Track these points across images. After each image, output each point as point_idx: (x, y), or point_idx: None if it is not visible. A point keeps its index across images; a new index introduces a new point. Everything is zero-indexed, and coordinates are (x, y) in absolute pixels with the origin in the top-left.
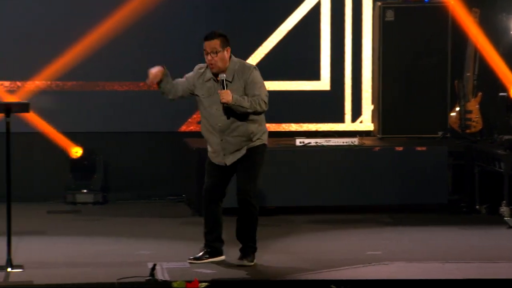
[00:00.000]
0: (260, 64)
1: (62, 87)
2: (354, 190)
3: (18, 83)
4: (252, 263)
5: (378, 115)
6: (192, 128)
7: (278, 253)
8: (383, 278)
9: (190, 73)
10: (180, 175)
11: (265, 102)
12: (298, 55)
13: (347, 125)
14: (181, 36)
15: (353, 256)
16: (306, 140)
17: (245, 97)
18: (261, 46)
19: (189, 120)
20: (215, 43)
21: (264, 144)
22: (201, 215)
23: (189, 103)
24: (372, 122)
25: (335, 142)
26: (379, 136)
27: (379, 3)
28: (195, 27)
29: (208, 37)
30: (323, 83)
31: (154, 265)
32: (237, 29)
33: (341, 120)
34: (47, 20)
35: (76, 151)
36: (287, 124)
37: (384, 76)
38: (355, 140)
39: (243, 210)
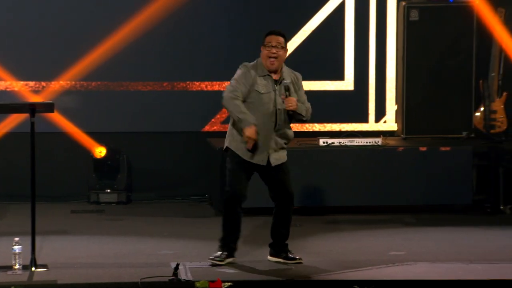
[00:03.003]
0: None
1: (86, 87)
2: (378, 190)
3: (43, 83)
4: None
5: (402, 115)
6: (216, 128)
7: (300, 253)
8: (407, 278)
9: (242, 73)
10: (203, 175)
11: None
12: (322, 55)
13: (370, 125)
14: (204, 35)
15: (377, 257)
16: (330, 140)
17: (301, 104)
18: None
19: (213, 120)
20: (281, 39)
21: None
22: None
23: (212, 103)
24: (396, 122)
25: (358, 142)
26: (403, 136)
27: (403, 3)
28: (217, 26)
29: (275, 32)
30: (347, 83)
31: (177, 264)
32: (261, 29)
33: (364, 120)
34: (72, 20)
35: (100, 151)
36: (311, 124)
37: (408, 76)
38: (378, 140)
39: (288, 210)
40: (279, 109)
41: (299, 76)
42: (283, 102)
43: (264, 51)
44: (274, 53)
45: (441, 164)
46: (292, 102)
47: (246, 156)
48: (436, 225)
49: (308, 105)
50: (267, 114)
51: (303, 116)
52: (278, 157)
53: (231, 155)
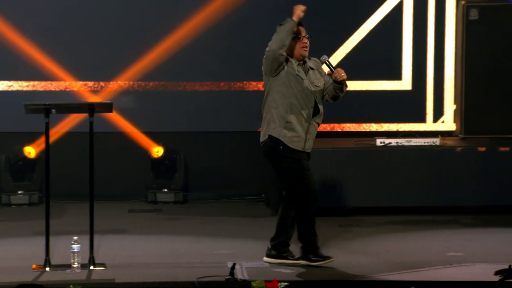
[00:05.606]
0: (341, 64)
1: (144, 87)
2: (435, 190)
3: (102, 83)
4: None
5: (461, 115)
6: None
7: (357, 253)
8: (465, 279)
9: None
10: (259, 174)
11: None
12: (379, 55)
13: (428, 125)
14: (261, 35)
15: (434, 258)
16: (387, 140)
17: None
18: (343, 46)
19: None
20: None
21: None
22: None
23: None
24: (454, 122)
25: (416, 142)
26: (461, 136)
27: (462, 2)
28: (274, 26)
29: (301, 24)
30: (405, 83)
31: (234, 264)
32: (318, 28)
33: (422, 120)
34: (130, 21)
35: (157, 151)
36: (368, 124)
37: (467, 75)
38: (436, 140)
39: (312, 207)
40: (313, 92)
41: (318, 61)
42: (330, 77)
43: (298, 43)
44: (306, 42)
45: (500, 164)
46: (342, 72)
47: (291, 143)
48: (494, 226)
49: None
50: (306, 99)
51: (342, 92)
52: (311, 144)
53: (284, 149)
